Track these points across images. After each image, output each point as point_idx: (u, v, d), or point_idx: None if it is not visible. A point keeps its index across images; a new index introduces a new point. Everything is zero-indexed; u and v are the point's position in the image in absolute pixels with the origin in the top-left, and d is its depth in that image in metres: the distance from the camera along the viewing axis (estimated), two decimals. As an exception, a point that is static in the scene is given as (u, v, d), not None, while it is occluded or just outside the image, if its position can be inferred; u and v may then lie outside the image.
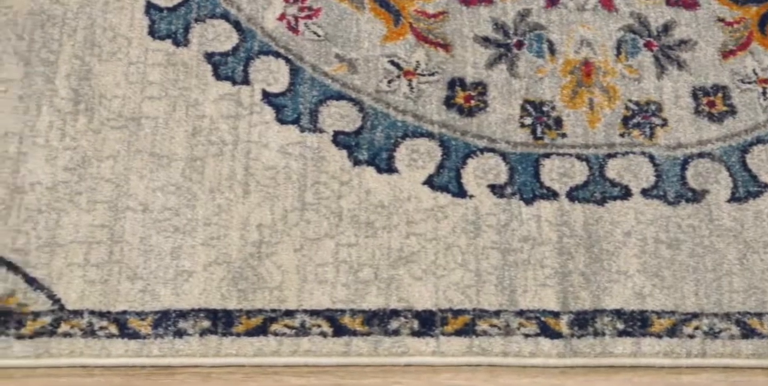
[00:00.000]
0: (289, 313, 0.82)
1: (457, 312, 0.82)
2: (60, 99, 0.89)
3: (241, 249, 0.84)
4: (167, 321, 0.81)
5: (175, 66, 0.91)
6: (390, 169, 0.88)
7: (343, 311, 0.82)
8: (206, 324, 0.81)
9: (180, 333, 0.81)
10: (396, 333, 0.81)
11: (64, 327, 0.80)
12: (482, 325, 0.82)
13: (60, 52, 0.91)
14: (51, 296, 0.82)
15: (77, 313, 0.81)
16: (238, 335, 0.81)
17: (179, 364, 0.80)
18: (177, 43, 0.92)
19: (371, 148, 0.89)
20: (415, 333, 0.82)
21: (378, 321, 0.82)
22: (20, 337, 0.80)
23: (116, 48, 0.92)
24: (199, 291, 0.82)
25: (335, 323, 0.82)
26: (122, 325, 0.81)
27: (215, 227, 0.85)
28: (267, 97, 0.90)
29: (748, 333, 0.83)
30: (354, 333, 0.81)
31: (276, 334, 0.81)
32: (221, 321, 0.81)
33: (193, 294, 0.82)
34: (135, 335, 0.80)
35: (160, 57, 0.91)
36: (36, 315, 0.81)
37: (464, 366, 0.81)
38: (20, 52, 0.91)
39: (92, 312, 0.81)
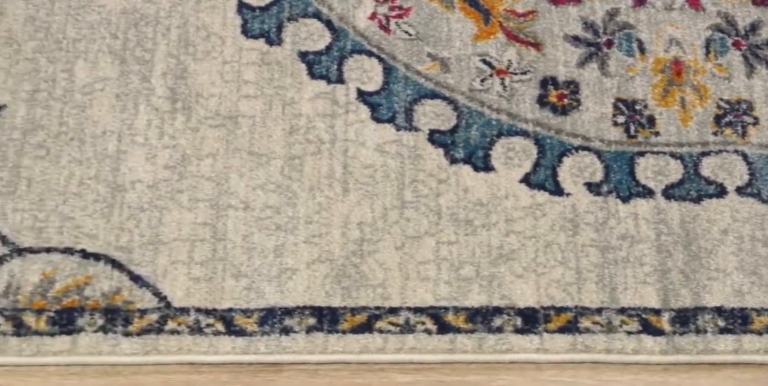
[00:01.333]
0: (393, 311, 0.82)
1: (560, 310, 0.83)
2: (157, 97, 0.90)
3: (343, 247, 0.84)
4: (273, 319, 0.81)
5: (270, 65, 0.92)
6: (486, 167, 0.88)
7: (446, 308, 0.83)
8: (312, 321, 0.81)
9: (286, 331, 0.81)
10: (500, 330, 0.82)
11: (171, 325, 0.81)
12: (585, 322, 0.83)
13: (155, 50, 0.92)
14: (157, 293, 0.82)
15: (184, 311, 0.82)
16: (344, 332, 0.81)
17: (286, 361, 0.81)
18: (270, 42, 0.93)
19: (467, 146, 0.89)
20: (518, 331, 0.82)
21: (481, 318, 0.82)
22: (127, 334, 0.80)
23: (210, 47, 0.92)
24: (303, 289, 0.83)
25: (439, 320, 0.82)
26: (228, 323, 0.81)
27: (316, 225, 0.85)
28: (362, 95, 0.91)
29: None
30: (458, 331, 0.82)
31: (381, 331, 0.81)
32: (326, 319, 0.82)
33: (298, 292, 0.83)
34: (241, 332, 0.81)
35: (254, 56, 0.92)
36: (143, 312, 0.81)
37: (568, 363, 0.82)
38: (115, 51, 0.92)
39: (198, 310, 0.82)
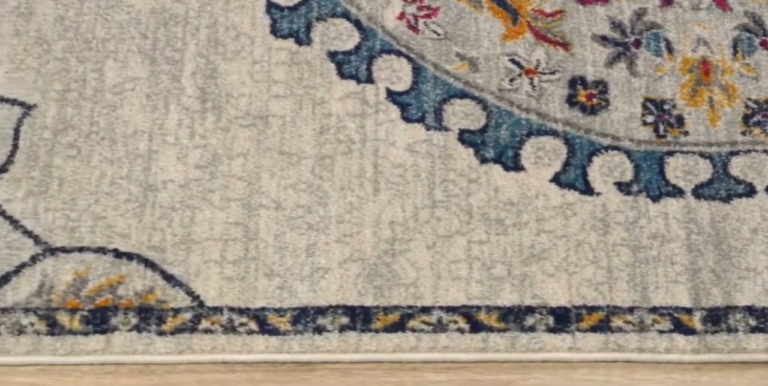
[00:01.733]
0: (426, 310, 0.83)
1: (591, 309, 0.83)
2: (187, 97, 0.90)
3: (375, 246, 0.85)
4: (306, 318, 0.82)
5: (299, 64, 0.92)
6: (517, 166, 0.88)
7: (478, 307, 0.83)
8: (345, 320, 0.82)
9: (319, 330, 0.81)
10: (532, 329, 0.82)
11: (204, 324, 0.81)
12: (617, 322, 0.83)
13: (184, 50, 0.92)
14: (190, 293, 0.82)
15: (217, 310, 0.82)
16: (377, 331, 0.82)
17: (319, 360, 0.81)
18: (299, 42, 0.93)
19: (497, 146, 0.89)
20: (551, 330, 0.82)
21: (514, 317, 0.82)
22: (161, 334, 0.81)
23: (240, 47, 0.92)
24: (335, 288, 0.83)
25: (472, 319, 0.82)
26: (262, 322, 0.81)
27: (348, 224, 0.85)
28: (391, 95, 0.91)
29: None
30: (491, 330, 0.82)
31: (414, 330, 0.82)
32: (359, 318, 0.82)
33: (330, 291, 0.83)
34: (275, 331, 0.81)
35: (284, 56, 0.92)
36: (176, 311, 0.82)
37: (600, 362, 0.82)
38: (145, 51, 0.92)
39: (231, 309, 0.82)
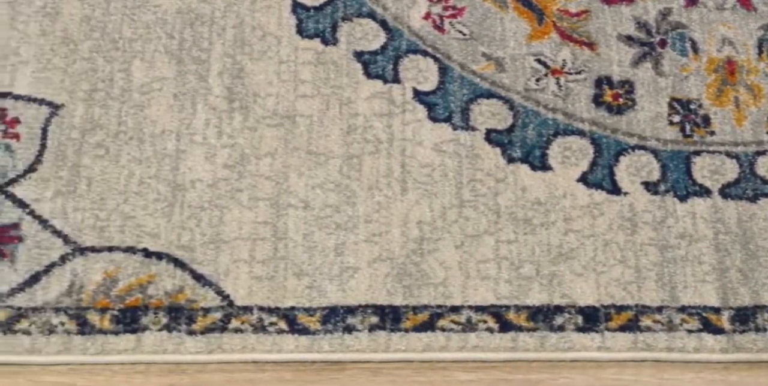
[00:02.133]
0: (455, 309, 0.83)
1: (620, 308, 0.83)
2: (215, 97, 0.90)
3: (403, 245, 0.85)
4: (336, 317, 0.82)
5: (326, 64, 0.92)
6: (544, 166, 0.89)
7: (507, 307, 0.83)
8: (374, 319, 0.82)
9: (349, 329, 0.81)
10: (561, 328, 0.82)
11: (234, 323, 0.81)
12: (645, 321, 0.83)
13: (211, 50, 0.92)
14: (219, 292, 0.82)
15: (247, 309, 0.82)
16: (406, 331, 0.82)
17: (349, 359, 0.81)
18: (326, 42, 0.93)
19: (524, 145, 0.89)
20: (580, 329, 0.82)
21: (543, 316, 0.83)
22: (191, 333, 0.81)
23: (266, 47, 0.92)
24: (365, 288, 0.83)
25: (501, 319, 0.82)
26: (292, 321, 0.82)
27: (376, 224, 0.85)
28: (418, 95, 0.91)
29: None
30: (520, 329, 0.82)
31: (443, 330, 0.82)
32: (389, 317, 0.82)
33: (360, 290, 0.83)
34: (305, 331, 0.81)
35: (310, 56, 0.92)
36: (206, 311, 0.82)
37: (629, 361, 0.82)
38: (171, 51, 0.92)
39: (261, 308, 0.82)
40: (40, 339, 0.80)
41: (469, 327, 0.82)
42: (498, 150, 0.89)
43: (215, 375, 0.80)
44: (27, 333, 0.80)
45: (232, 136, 0.88)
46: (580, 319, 0.83)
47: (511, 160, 0.89)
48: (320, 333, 0.81)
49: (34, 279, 0.82)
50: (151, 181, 0.86)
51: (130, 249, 0.83)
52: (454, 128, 0.90)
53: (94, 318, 0.81)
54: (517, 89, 0.92)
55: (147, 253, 0.83)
